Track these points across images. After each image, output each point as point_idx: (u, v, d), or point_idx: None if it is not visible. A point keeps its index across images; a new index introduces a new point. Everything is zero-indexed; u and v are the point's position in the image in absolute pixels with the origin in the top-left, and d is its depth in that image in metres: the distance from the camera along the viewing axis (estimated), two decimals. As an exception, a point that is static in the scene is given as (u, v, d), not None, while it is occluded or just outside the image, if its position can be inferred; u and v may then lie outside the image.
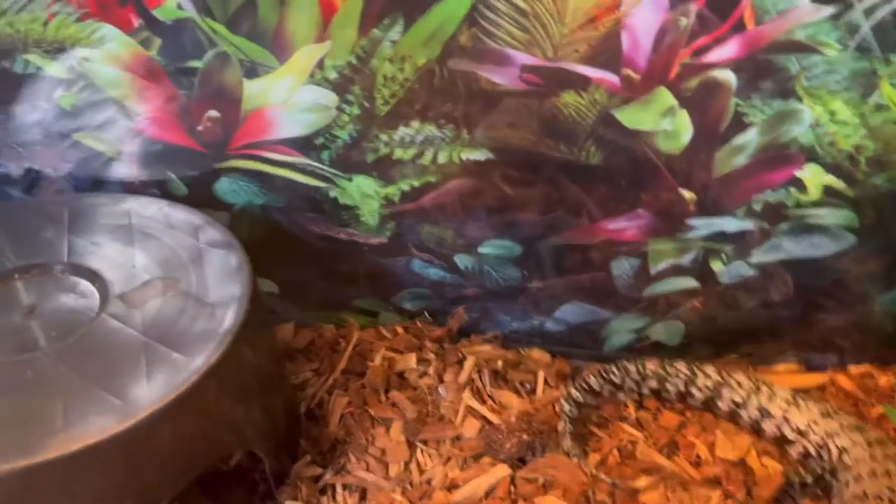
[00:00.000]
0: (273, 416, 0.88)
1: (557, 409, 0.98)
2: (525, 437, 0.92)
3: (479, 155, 0.96)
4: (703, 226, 1.00)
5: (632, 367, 1.02)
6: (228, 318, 0.78)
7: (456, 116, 0.94)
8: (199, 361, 0.73)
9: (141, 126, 0.97)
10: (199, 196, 1.02)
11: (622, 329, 1.12)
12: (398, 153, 0.97)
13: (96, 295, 0.82)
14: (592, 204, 1.00)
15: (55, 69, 0.93)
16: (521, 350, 1.12)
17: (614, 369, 1.01)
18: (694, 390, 1.01)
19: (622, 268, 1.06)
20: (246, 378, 0.81)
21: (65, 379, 0.70)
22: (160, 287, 0.82)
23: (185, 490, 0.86)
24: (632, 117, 0.92)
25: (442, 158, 0.97)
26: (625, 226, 1.02)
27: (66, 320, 0.78)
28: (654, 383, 1.02)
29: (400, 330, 1.11)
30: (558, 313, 1.12)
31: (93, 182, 1.02)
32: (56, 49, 0.92)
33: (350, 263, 1.10)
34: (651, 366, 1.02)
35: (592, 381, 1.00)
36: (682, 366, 1.02)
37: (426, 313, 1.14)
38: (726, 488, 0.92)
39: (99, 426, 0.66)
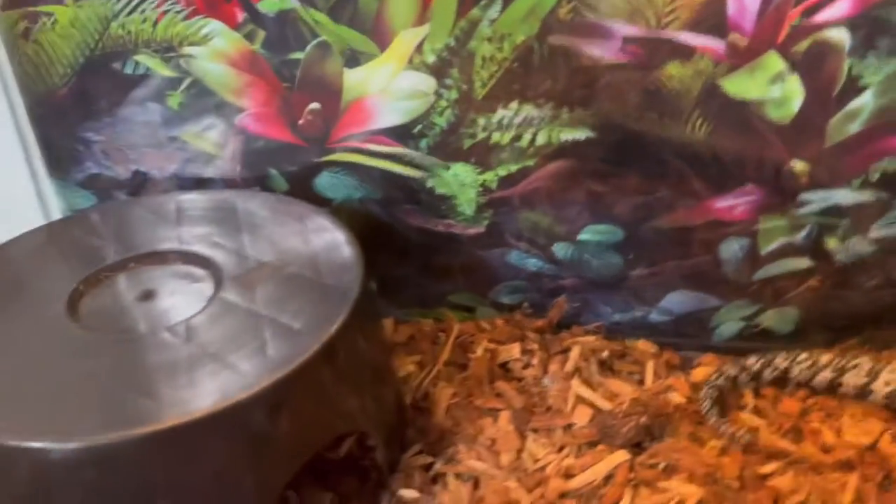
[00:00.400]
0: (384, 406, 0.87)
1: (702, 393, 0.95)
2: (643, 420, 0.88)
3: (579, 134, 0.95)
4: (816, 199, 0.96)
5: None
6: (342, 300, 0.77)
7: (555, 95, 0.92)
8: (314, 338, 0.72)
9: (244, 122, 0.99)
10: (300, 191, 1.02)
11: (732, 317, 1.08)
12: (496, 137, 0.96)
13: (210, 279, 0.82)
14: (698, 181, 0.97)
15: (163, 69, 0.96)
16: (626, 341, 1.08)
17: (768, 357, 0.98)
18: (821, 373, 0.95)
19: (731, 250, 1.02)
20: (359, 367, 0.81)
21: (185, 354, 0.70)
22: (272, 270, 0.82)
23: (298, 478, 0.86)
24: (739, 86, 0.89)
25: (540, 140, 0.96)
26: (733, 203, 0.98)
27: (182, 303, 0.79)
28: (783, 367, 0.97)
29: (500, 322, 1.09)
30: (663, 303, 1.08)
31: (196, 181, 1.04)
32: (164, 48, 0.95)
33: (447, 257, 1.09)
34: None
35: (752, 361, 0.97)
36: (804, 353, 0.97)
37: (525, 306, 1.11)
38: (863, 472, 0.86)
39: (220, 395, 0.65)
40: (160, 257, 0.86)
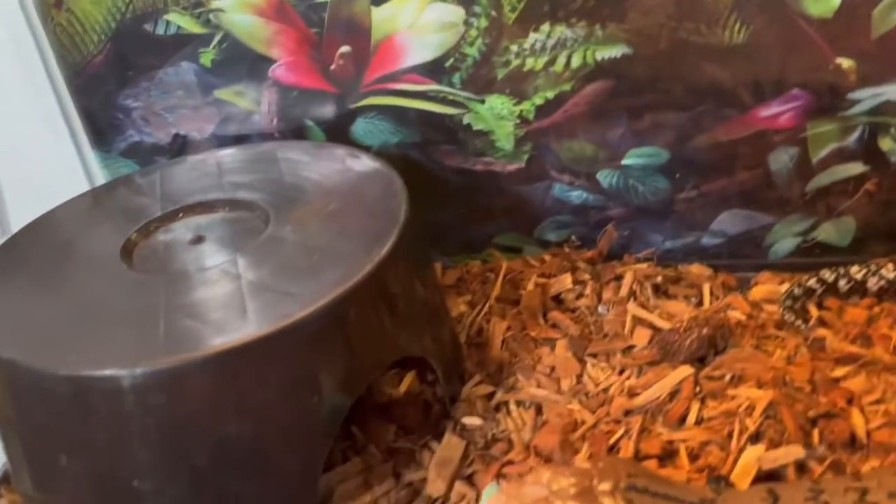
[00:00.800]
0: (441, 344, 0.86)
1: (779, 303, 0.94)
2: (705, 331, 0.86)
3: (615, 51, 0.93)
4: (866, 98, 0.93)
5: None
6: (390, 224, 0.77)
7: (587, 12, 0.91)
8: (367, 260, 0.72)
9: (277, 73, 0.99)
10: (337, 140, 1.02)
11: (786, 233, 1.05)
12: (529, 63, 0.95)
13: (257, 221, 0.83)
14: (742, 90, 0.95)
15: (194, 26, 0.96)
16: (679, 266, 1.06)
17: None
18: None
19: (780, 161, 0.99)
20: (412, 292, 0.80)
21: (239, 285, 0.71)
22: (318, 207, 0.82)
23: (362, 413, 0.86)
24: (776, -18, 0.87)
25: (576, 62, 0.94)
26: (779, 111, 0.96)
27: (233, 243, 0.79)
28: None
29: (548, 257, 1.08)
30: (715, 225, 1.06)
31: (234, 140, 1.05)
32: (194, 4, 0.95)
33: (489, 197, 1.08)
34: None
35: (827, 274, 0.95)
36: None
37: (572, 239, 1.10)
38: (940, 370, 0.83)
39: (280, 316, 0.65)
40: (207, 206, 0.87)
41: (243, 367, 0.64)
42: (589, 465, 0.64)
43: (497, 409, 0.88)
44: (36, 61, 1.00)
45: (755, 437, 0.77)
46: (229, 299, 0.69)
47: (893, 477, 0.61)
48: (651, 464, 0.77)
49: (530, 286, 1.03)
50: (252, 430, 0.67)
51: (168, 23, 0.97)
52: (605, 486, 0.60)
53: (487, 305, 1.01)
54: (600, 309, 0.99)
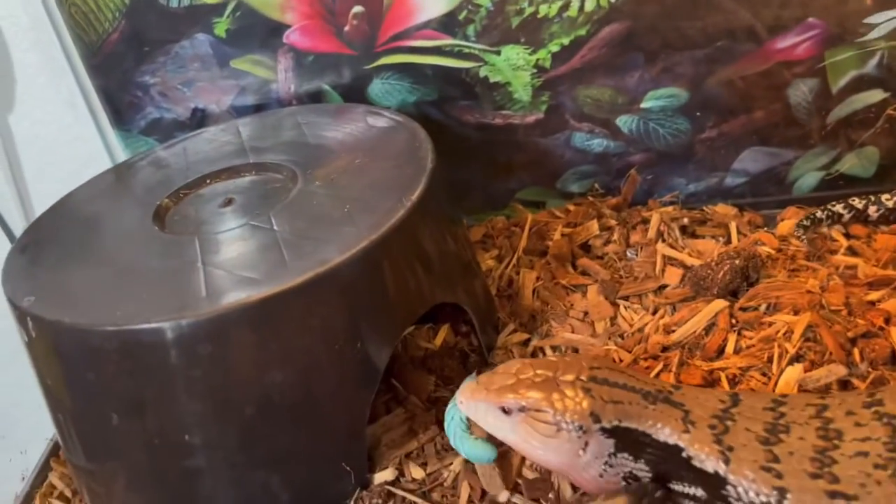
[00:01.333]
0: (474, 296, 0.87)
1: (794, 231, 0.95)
2: (738, 262, 0.86)
3: (629, -8, 0.93)
4: (883, 22, 0.92)
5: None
6: (418, 171, 0.77)
7: (599, -47, 0.91)
8: (400, 205, 0.72)
9: (291, 39, 0.99)
10: (356, 103, 1.03)
11: (809, 167, 1.05)
12: (543, 10, 0.95)
13: (286, 180, 0.83)
14: (757, 23, 0.94)
15: (207, -5, 0.97)
16: (705, 208, 1.06)
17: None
18: None
19: (800, 93, 0.99)
20: (448, 258, 0.80)
21: (275, 238, 0.71)
22: (345, 162, 0.82)
23: (400, 368, 0.86)
24: None
25: (590, 5, 0.94)
26: (796, 42, 0.95)
27: (264, 202, 0.80)
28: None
29: (572, 207, 1.08)
30: (736, 164, 1.06)
31: (252, 110, 1.05)
32: (205, -26, 0.96)
33: (509, 151, 1.08)
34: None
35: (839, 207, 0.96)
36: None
37: (595, 188, 1.10)
38: (977, 285, 0.83)
39: (317, 262, 0.66)
40: (233, 171, 0.87)
41: (286, 313, 0.64)
42: (556, 358, 0.68)
43: (533, 355, 0.89)
44: (54, 44, 1.01)
45: (795, 360, 0.77)
46: (267, 251, 0.69)
47: (857, 397, 0.62)
48: (693, 393, 0.77)
49: (557, 236, 1.03)
50: (298, 379, 0.67)
51: (181, -6, 0.97)
52: (568, 376, 0.63)
53: (515, 258, 1.01)
54: (629, 253, 0.99)
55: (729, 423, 0.61)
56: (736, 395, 0.65)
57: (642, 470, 0.62)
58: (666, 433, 0.61)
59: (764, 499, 0.57)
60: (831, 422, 0.60)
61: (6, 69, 1.04)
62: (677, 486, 0.62)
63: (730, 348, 0.82)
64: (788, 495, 0.56)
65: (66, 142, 1.09)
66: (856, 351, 0.76)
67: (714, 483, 0.59)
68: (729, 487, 0.58)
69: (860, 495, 0.54)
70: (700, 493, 0.61)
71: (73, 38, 1.00)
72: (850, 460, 0.57)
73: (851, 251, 0.94)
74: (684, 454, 0.60)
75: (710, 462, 0.59)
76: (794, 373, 0.74)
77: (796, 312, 0.83)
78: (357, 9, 0.96)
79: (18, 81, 1.05)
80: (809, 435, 0.59)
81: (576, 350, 0.88)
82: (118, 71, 1.03)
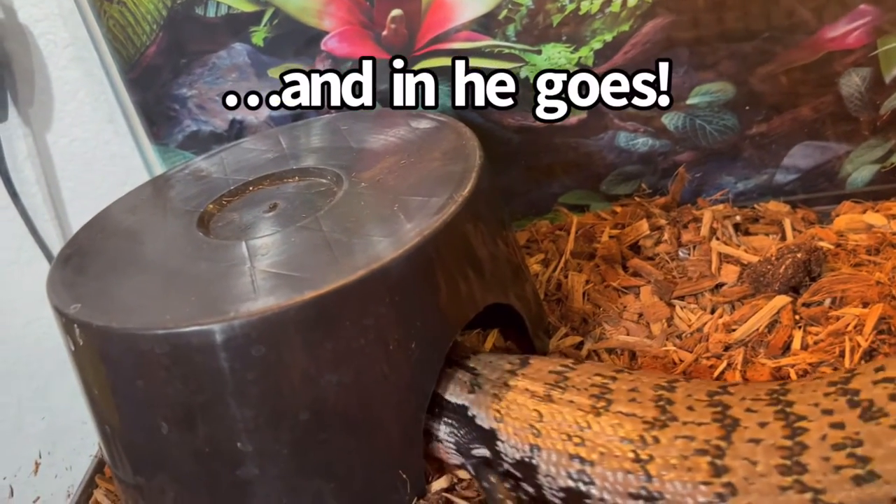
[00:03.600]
0: (525, 300, 0.84)
1: None
2: (800, 255, 0.83)
3: (673, -16, 0.91)
4: (939, 6, 0.89)
5: None
6: (466, 169, 0.75)
7: (641, -54, 0.89)
8: (451, 201, 0.70)
9: (329, 46, 0.98)
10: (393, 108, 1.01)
11: (863, 161, 1.01)
12: (585, 6, 0.93)
13: (330, 184, 0.81)
14: (806, 12, 0.92)
15: (244, 4, 0.96)
16: (756, 206, 1.03)
17: None
18: None
19: (852, 84, 0.96)
20: (499, 261, 0.78)
21: (322, 238, 0.69)
22: (390, 164, 0.80)
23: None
24: None
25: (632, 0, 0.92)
26: (847, 30, 0.92)
27: (309, 206, 0.78)
28: None
29: (619, 208, 1.05)
30: (787, 160, 1.03)
31: (290, 119, 1.04)
32: (243, -18, 0.95)
33: (551, 154, 1.06)
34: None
35: None
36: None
37: (642, 188, 1.07)
38: None
39: (368, 259, 0.63)
40: (276, 178, 0.86)
41: (339, 312, 0.62)
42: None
43: (588, 358, 0.85)
44: (93, 59, 1.01)
45: (869, 354, 0.73)
46: (316, 251, 0.67)
47: (755, 389, 0.62)
48: (762, 391, 0.74)
49: (605, 237, 1.00)
50: (352, 381, 0.65)
51: (218, 4, 0.97)
52: None
53: (563, 261, 0.98)
54: (681, 252, 0.96)
55: (512, 383, 0.67)
56: (526, 358, 0.70)
57: (447, 435, 0.69)
58: (456, 394, 0.68)
59: (521, 455, 0.63)
60: (609, 392, 0.64)
61: (45, 87, 1.04)
62: (476, 450, 0.67)
63: (796, 344, 0.78)
64: (541, 453, 0.62)
65: (104, 158, 1.08)
66: (934, 342, 0.73)
67: (490, 440, 0.65)
68: (499, 443, 0.65)
69: (599, 461, 0.59)
70: (485, 451, 0.66)
71: (111, 53, 1.00)
72: (606, 427, 0.61)
73: (917, 242, 0.90)
74: (469, 413, 0.67)
75: (487, 420, 0.65)
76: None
77: (866, 305, 0.79)
78: (395, 13, 0.95)
79: (56, 98, 1.05)
80: (582, 400, 0.63)
81: (632, 352, 0.85)
82: (156, 84, 1.02)
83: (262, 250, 0.70)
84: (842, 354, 0.74)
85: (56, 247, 1.12)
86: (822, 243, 0.92)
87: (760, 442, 0.56)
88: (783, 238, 0.96)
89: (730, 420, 0.58)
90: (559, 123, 1.02)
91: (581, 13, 0.93)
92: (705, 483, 0.55)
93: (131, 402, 0.67)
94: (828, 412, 0.56)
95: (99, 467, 0.85)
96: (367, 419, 0.67)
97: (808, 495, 0.52)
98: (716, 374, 0.78)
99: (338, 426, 0.66)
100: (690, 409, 0.61)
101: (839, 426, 0.55)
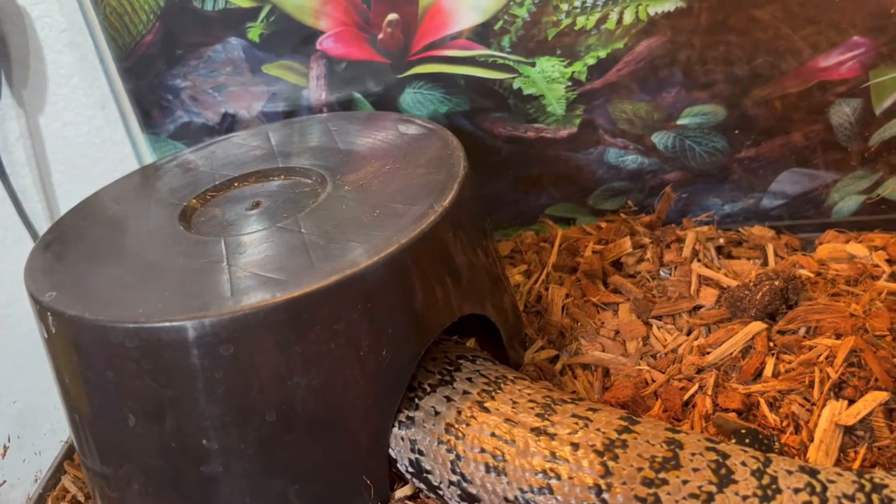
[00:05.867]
0: (502, 311, 0.84)
1: None
2: (777, 283, 0.83)
3: (668, 5, 0.91)
4: (932, 42, 0.90)
5: None
6: (449, 177, 0.75)
7: (639, -35, 0.89)
8: (430, 210, 0.70)
9: (324, 45, 0.98)
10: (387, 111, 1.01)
11: (849, 191, 1.02)
12: (580, 22, 0.93)
13: (315, 185, 0.82)
14: (799, 40, 0.92)
15: (242, 0, 0.96)
16: (741, 228, 1.03)
17: None
18: None
19: (842, 114, 0.96)
20: (471, 247, 0.78)
21: (301, 240, 0.69)
22: (375, 168, 0.81)
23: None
24: (834, -76, 0.84)
25: (628, 18, 0.92)
26: (840, 60, 0.93)
27: (291, 206, 0.78)
28: None
29: (604, 224, 1.05)
30: (774, 185, 1.03)
31: (283, 116, 1.04)
32: (241, -22, 0.95)
33: (540, 165, 1.06)
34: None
35: None
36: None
37: (628, 205, 1.07)
38: None
39: (344, 264, 0.64)
40: (262, 175, 0.86)
41: (312, 316, 0.62)
42: None
43: (562, 373, 0.86)
44: (88, 45, 1.01)
45: (838, 386, 0.73)
46: (293, 253, 0.67)
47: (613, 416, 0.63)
48: (730, 417, 0.74)
49: (588, 252, 1.00)
50: (321, 385, 0.65)
51: (216, -2, 0.97)
52: None
53: (545, 273, 0.99)
54: (662, 272, 0.97)
55: None
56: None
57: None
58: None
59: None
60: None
61: (40, 69, 1.04)
62: None
63: (768, 371, 0.79)
64: None
65: (95, 144, 1.08)
66: (903, 378, 0.73)
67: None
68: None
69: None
70: None
71: (107, 40, 1.00)
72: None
73: (895, 277, 0.91)
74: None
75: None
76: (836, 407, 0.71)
77: (839, 336, 0.79)
78: (392, 17, 0.95)
79: (51, 82, 1.05)
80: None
81: (606, 369, 0.85)
82: (150, 74, 1.02)
83: (241, 249, 0.70)
84: (811, 384, 0.75)
85: (43, 228, 1.12)
86: (802, 271, 0.93)
87: None
88: (765, 263, 0.96)
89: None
90: (550, 136, 1.02)
91: (576, 28, 0.93)
92: None
93: (100, 392, 0.67)
94: None
95: (69, 454, 0.85)
96: (334, 423, 0.67)
97: None
98: (686, 396, 0.78)
99: (304, 428, 0.66)
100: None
101: None
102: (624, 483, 0.58)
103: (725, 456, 0.58)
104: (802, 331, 0.82)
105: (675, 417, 0.76)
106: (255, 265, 0.67)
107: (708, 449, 0.59)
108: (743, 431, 0.68)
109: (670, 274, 0.96)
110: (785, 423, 0.71)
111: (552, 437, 0.62)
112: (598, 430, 0.62)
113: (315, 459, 0.68)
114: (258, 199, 0.81)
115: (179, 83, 1.03)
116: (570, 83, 0.98)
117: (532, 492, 0.60)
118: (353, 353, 0.65)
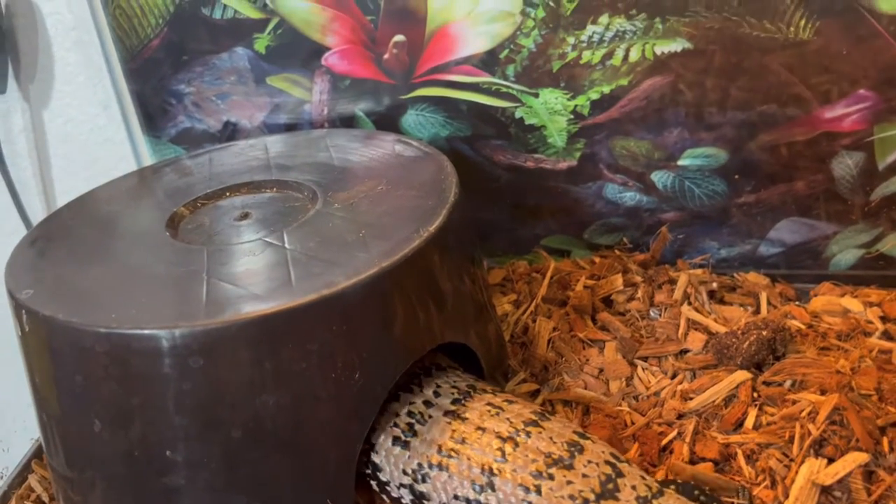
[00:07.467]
0: (486, 339, 0.83)
1: None
2: (765, 333, 0.82)
3: (675, 45, 0.91)
4: (939, 100, 0.89)
5: None
6: (439, 204, 0.75)
7: (647, 4, 0.89)
8: (416, 235, 0.70)
9: (329, 61, 0.99)
10: (387, 131, 1.01)
11: (848, 244, 1.01)
12: (586, 56, 0.93)
13: (306, 200, 0.81)
14: (806, 90, 0.91)
15: (251, 10, 0.97)
16: (736, 274, 1.02)
17: None
18: None
19: (844, 166, 0.95)
20: (463, 297, 0.77)
21: (284, 256, 0.69)
22: (367, 188, 0.80)
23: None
24: (846, -24, 0.84)
25: (634, 55, 0.92)
26: (845, 112, 0.92)
27: (279, 220, 0.78)
28: None
29: (598, 259, 1.04)
30: (772, 233, 1.02)
31: (284, 128, 1.04)
32: (251, -11, 0.96)
33: (538, 196, 1.05)
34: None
35: None
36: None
37: (623, 242, 1.06)
38: None
39: (322, 284, 0.63)
40: (254, 186, 0.86)
41: (285, 333, 0.62)
42: None
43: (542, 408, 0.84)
44: (95, 45, 1.01)
45: (819, 444, 0.72)
46: (274, 268, 0.67)
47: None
48: (707, 467, 0.73)
49: (579, 287, 0.99)
50: (290, 403, 0.64)
51: (225, 7, 0.97)
52: None
53: (534, 304, 0.98)
54: (652, 312, 0.96)
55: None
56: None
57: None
58: None
59: None
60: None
61: (48, 65, 1.05)
62: None
63: (749, 422, 0.77)
64: None
65: (96, 143, 1.09)
66: (885, 440, 0.71)
67: None
68: None
69: None
70: None
71: (114, 41, 1.01)
72: None
73: (887, 335, 0.89)
74: None
75: None
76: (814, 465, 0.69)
77: (823, 392, 0.78)
78: (398, 38, 0.95)
79: (57, 78, 1.05)
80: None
81: (587, 407, 0.84)
82: (154, 77, 1.03)
83: (222, 260, 0.70)
84: (791, 440, 0.73)
85: (39, 221, 1.12)
86: (793, 322, 0.91)
87: None
88: (757, 311, 0.95)
89: None
90: (549, 167, 1.02)
91: (582, 62, 0.93)
92: None
93: (69, 394, 0.66)
94: None
95: (38, 452, 0.85)
96: (301, 443, 0.66)
97: None
98: (664, 441, 0.77)
99: (270, 446, 0.65)
100: None
101: None
102: (514, 470, 0.63)
103: (620, 475, 0.61)
104: (788, 383, 0.81)
105: (650, 462, 0.75)
106: (234, 278, 0.66)
107: (607, 462, 0.62)
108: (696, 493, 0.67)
109: (660, 315, 0.95)
110: (760, 478, 0.70)
111: (463, 420, 0.67)
112: (508, 419, 0.66)
113: (280, 478, 0.67)
114: (248, 210, 0.81)
115: (183, 88, 1.03)
116: (572, 116, 0.97)
117: (429, 467, 0.66)
118: (325, 374, 0.64)
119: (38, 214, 1.16)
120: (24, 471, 0.83)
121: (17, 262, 0.74)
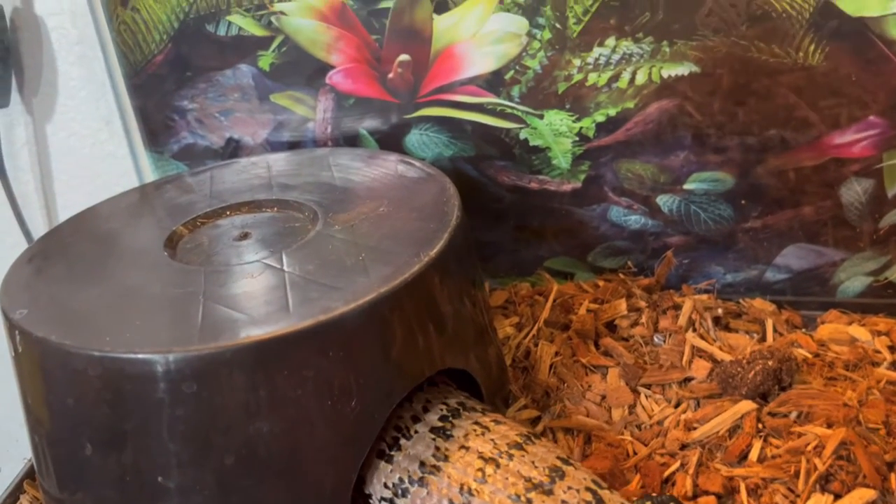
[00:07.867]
0: (486, 364, 0.82)
1: None
2: (771, 363, 0.81)
3: (682, 69, 0.90)
4: (949, 128, 0.87)
5: None
6: (441, 227, 0.74)
7: (655, 27, 0.88)
8: (416, 259, 0.69)
9: (334, 80, 0.98)
10: (390, 151, 1.00)
11: (857, 272, 0.99)
12: (592, 78, 0.92)
13: (306, 221, 0.80)
14: (814, 115, 0.90)
15: (255, 28, 0.96)
16: (742, 300, 1.01)
17: None
18: None
19: (853, 193, 0.94)
20: (463, 321, 0.76)
21: (282, 279, 0.68)
22: (368, 209, 0.79)
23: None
24: (855, 2, 0.83)
25: (640, 78, 0.91)
26: (854, 139, 0.91)
27: (279, 240, 0.77)
28: None
29: (601, 283, 1.03)
30: (779, 258, 1.01)
31: (287, 146, 1.03)
32: (256, 7, 0.95)
33: (542, 217, 1.04)
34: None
35: None
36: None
37: (627, 266, 1.05)
38: None
39: (319, 310, 0.62)
40: (255, 205, 0.85)
41: (281, 360, 0.61)
42: None
43: (542, 435, 0.83)
44: (98, 60, 1.01)
45: (825, 479, 0.70)
46: (271, 292, 0.66)
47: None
48: (710, 501, 0.71)
49: (582, 311, 0.98)
50: (285, 430, 0.63)
51: (230, 24, 0.97)
52: None
53: (536, 328, 0.97)
54: (656, 338, 0.94)
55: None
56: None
57: None
58: None
59: None
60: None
61: (51, 79, 1.05)
62: None
63: (754, 455, 0.76)
64: None
65: (98, 157, 1.08)
66: (892, 476, 0.70)
67: None
68: None
69: None
70: None
71: (118, 56, 1.00)
72: None
73: (895, 366, 0.88)
74: None
75: None
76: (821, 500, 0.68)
77: (830, 426, 0.76)
78: (403, 57, 0.95)
79: (61, 92, 1.05)
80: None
81: (588, 435, 0.82)
82: (158, 93, 1.02)
83: (220, 281, 0.69)
84: (797, 474, 0.71)
85: (40, 235, 1.12)
86: (800, 350, 0.90)
87: None
88: (763, 339, 0.94)
89: None
90: (553, 189, 1.01)
91: (588, 84, 0.92)
92: None
93: (61, 417, 0.65)
94: None
95: (30, 473, 0.83)
96: (295, 471, 0.65)
97: None
98: (666, 473, 0.75)
99: (264, 474, 0.64)
100: None
101: None
102: (493, 492, 0.62)
103: (601, 502, 0.60)
104: (794, 415, 0.80)
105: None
106: (230, 301, 0.65)
107: (588, 489, 0.61)
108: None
109: (664, 341, 0.93)
110: (765, 515, 0.68)
111: (448, 438, 0.67)
112: (493, 440, 0.66)
113: (274, 506, 0.65)
114: (247, 229, 0.80)
115: (187, 104, 1.03)
116: (577, 138, 0.96)
117: (410, 482, 0.66)
118: (321, 401, 0.63)
119: (39, 228, 1.15)
120: (17, 491, 0.82)
121: (13, 280, 0.73)
